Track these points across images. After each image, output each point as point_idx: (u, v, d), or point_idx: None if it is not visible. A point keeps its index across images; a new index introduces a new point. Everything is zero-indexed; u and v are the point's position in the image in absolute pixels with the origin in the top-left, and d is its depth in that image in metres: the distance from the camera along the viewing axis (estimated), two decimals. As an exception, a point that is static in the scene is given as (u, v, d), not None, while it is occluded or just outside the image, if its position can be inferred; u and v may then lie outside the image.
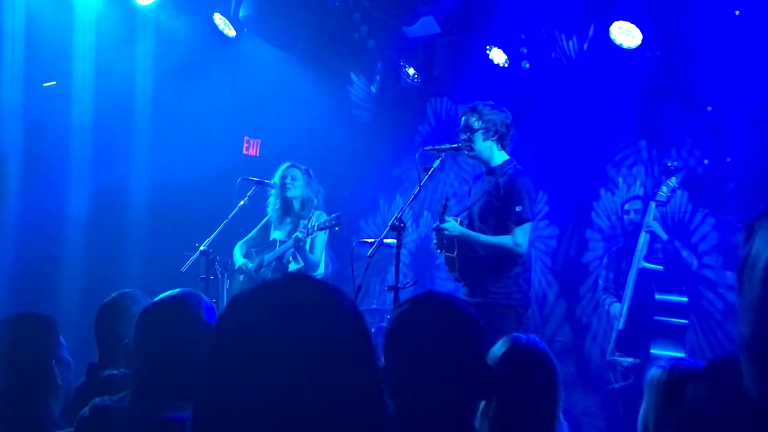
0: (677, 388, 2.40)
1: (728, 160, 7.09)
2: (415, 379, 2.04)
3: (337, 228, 6.40)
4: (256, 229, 6.89)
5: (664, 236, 6.35)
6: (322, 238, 6.56)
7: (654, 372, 2.57)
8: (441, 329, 2.07)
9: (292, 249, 6.48)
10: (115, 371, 3.13)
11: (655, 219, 6.32)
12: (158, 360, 2.30)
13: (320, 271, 6.62)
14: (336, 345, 1.30)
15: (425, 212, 8.99)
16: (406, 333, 2.10)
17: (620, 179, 7.71)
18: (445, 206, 5.36)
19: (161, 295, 2.43)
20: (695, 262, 6.59)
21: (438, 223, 5.35)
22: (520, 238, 5.26)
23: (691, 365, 2.51)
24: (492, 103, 5.53)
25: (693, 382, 1.60)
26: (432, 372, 2.03)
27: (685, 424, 1.53)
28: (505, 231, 5.31)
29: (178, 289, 2.45)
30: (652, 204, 6.28)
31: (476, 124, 5.41)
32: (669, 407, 2.41)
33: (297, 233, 6.35)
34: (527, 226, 5.32)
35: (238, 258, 6.77)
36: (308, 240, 6.46)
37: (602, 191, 7.91)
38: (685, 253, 6.47)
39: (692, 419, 1.48)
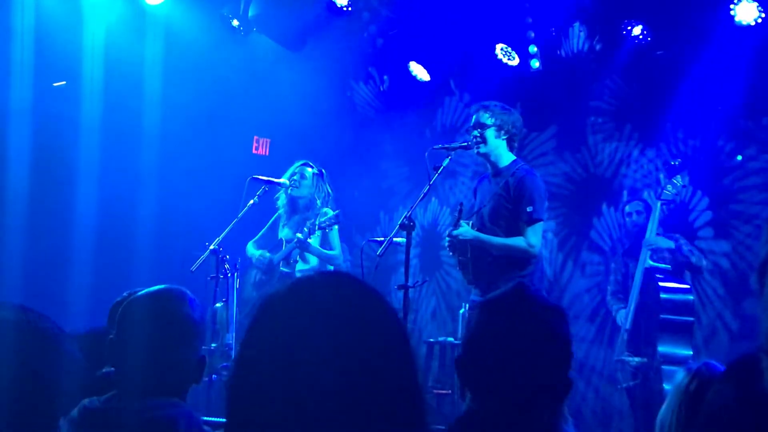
0: (700, 392, 2.39)
1: (739, 158, 7.10)
2: (501, 373, 2.03)
3: (336, 226, 6.43)
4: (264, 229, 6.93)
5: (672, 244, 6.34)
6: (334, 230, 6.59)
7: (680, 374, 2.57)
8: (534, 326, 2.06)
9: (298, 249, 6.52)
10: (111, 369, 3.11)
11: (660, 218, 6.32)
12: (141, 355, 2.26)
13: (340, 261, 6.67)
14: (375, 345, 1.27)
15: (433, 198, 8.93)
16: (497, 327, 2.09)
17: (625, 192, 7.70)
18: (460, 212, 5.40)
19: (143, 290, 2.39)
20: (704, 262, 6.59)
21: (451, 229, 5.40)
22: (532, 238, 5.29)
23: (719, 370, 2.50)
24: (503, 104, 5.57)
25: (715, 383, 1.59)
26: (520, 368, 2.03)
27: (708, 426, 1.52)
28: (517, 232, 5.33)
29: (162, 285, 2.41)
30: (658, 203, 6.27)
31: (489, 121, 5.43)
32: (689, 411, 2.40)
33: (298, 233, 6.39)
34: (539, 226, 5.35)
35: (254, 252, 6.80)
36: (317, 237, 6.50)
37: (604, 206, 7.91)
38: (694, 258, 6.46)
39: (715, 421, 1.48)
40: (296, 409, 1.22)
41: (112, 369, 2.72)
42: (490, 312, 2.17)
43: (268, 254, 6.75)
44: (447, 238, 5.51)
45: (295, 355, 1.24)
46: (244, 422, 1.28)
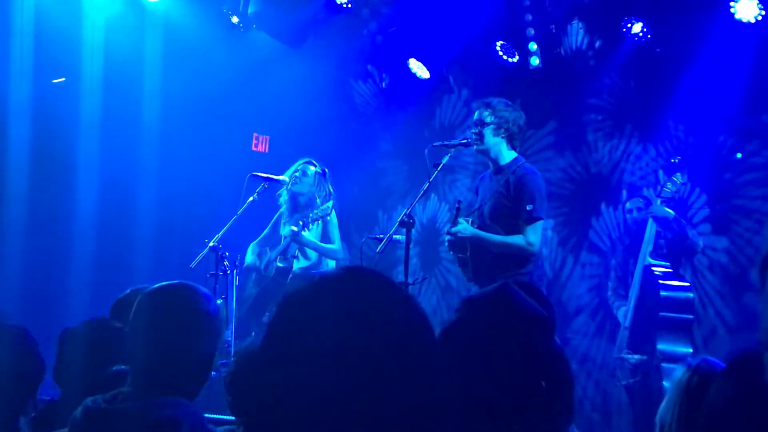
0: (700, 388, 2.37)
1: (738, 155, 7.09)
2: (473, 375, 1.96)
3: (328, 217, 6.42)
4: (267, 229, 6.96)
5: (672, 213, 6.29)
6: (334, 225, 6.59)
7: (679, 371, 2.55)
8: (506, 327, 1.99)
9: (295, 243, 6.53)
10: (122, 366, 3.10)
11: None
12: (157, 349, 2.26)
13: (340, 256, 6.67)
14: (397, 344, 1.25)
15: (432, 194, 8.87)
16: (472, 327, 2.02)
17: (624, 191, 7.67)
18: (458, 209, 5.40)
19: (157, 285, 2.39)
20: (700, 243, 6.57)
21: (450, 226, 5.40)
22: (531, 237, 5.28)
23: (718, 366, 2.48)
24: (507, 101, 5.56)
25: (715, 381, 1.59)
26: (491, 368, 1.96)
27: (709, 424, 1.52)
28: (517, 230, 5.33)
29: (175, 281, 2.42)
30: (657, 200, 6.27)
31: (488, 119, 5.44)
32: (690, 408, 2.38)
33: (291, 226, 6.39)
34: (538, 225, 5.34)
35: (249, 257, 6.83)
36: (316, 230, 6.50)
37: (603, 206, 7.88)
38: (691, 233, 6.44)
39: (717, 417, 1.48)
40: (321, 408, 1.20)
41: (122, 367, 2.72)
42: (467, 310, 2.08)
43: (258, 262, 6.78)
44: (446, 236, 5.51)
45: (318, 350, 1.22)
46: (265, 421, 1.26)
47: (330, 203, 6.41)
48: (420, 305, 1.33)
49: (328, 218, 6.49)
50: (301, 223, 6.36)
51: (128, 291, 3.44)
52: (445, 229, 5.57)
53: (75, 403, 2.34)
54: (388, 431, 1.22)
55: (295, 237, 6.38)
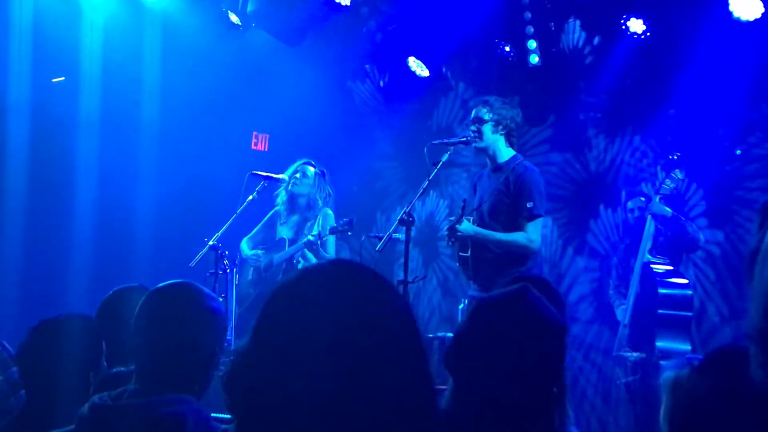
0: None
1: (738, 152, 7.08)
2: (487, 380, 1.99)
3: (349, 233, 6.43)
4: (260, 225, 6.93)
5: (669, 212, 6.29)
6: (332, 237, 6.60)
7: (683, 371, 2.53)
8: (525, 335, 2.01)
9: (302, 250, 6.53)
10: (122, 368, 3.09)
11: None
12: (161, 347, 2.26)
13: None
14: (384, 335, 1.26)
15: (431, 191, 8.84)
16: (494, 327, 2.03)
17: (623, 192, 7.65)
18: (463, 208, 5.41)
19: (161, 284, 2.39)
20: (701, 237, 6.56)
21: (454, 223, 5.40)
22: (533, 234, 5.30)
23: None
24: (503, 98, 5.58)
25: (692, 374, 1.59)
26: (506, 375, 1.98)
27: (686, 417, 1.52)
28: (516, 228, 5.34)
29: (178, 279, 2.42)
30: (656, 198, 6.26)
31: (487, 116, 5.45)
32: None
33: (309, 236, 6.38)
34: (539, 222, 5.36)
35: (247, 251, 6.81)
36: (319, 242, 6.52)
37: (601, 207, 7.87)
38: (690, 228, 6.44)
39: (693, 411, 1.48)
40: (308, 398, 1.22)
41: (122, 369, 2.72)
42: (488, 311, 2.10)
43: (260, 252, 6.75)
44: (446, 232, 5.50)
45: (306, 343, 1.23)
46: (254, 413, 1.27)
47: (347, 218, 6.37)
48: (403, 295, 1.34)
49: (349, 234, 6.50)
50: (311, 238, 6.35)
51: (111, 292, 3.40)
52: (444, 224, 5.56)
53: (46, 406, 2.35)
54: (373, 422, 1.23)
55: (311, 246, 6.38)
